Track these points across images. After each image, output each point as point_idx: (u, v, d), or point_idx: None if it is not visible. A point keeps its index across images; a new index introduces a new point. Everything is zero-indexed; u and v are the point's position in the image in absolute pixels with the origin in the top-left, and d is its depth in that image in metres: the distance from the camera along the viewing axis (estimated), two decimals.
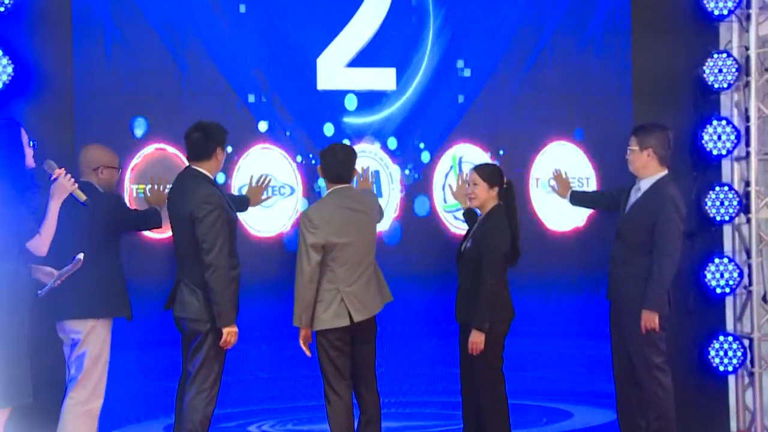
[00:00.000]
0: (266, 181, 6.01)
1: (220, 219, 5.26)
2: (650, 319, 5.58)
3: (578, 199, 6.19)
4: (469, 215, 5.98)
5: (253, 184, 6.00)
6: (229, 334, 5.29)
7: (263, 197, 6.02)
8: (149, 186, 5.83)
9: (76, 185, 5.00)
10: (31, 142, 4.99)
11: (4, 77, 5.55)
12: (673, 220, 5.61)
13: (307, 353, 5.56)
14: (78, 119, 5.83)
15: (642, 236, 5.65)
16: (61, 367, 5.47)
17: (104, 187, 5.53)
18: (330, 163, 5.56)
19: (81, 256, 4.98)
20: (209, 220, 5.24)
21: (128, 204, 5.82)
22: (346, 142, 6.11)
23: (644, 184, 5.73)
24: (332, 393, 5.51)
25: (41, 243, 4.90)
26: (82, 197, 5.00)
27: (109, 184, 5.58)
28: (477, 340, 5.57)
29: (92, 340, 5.37)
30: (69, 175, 4.99)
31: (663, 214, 5.60)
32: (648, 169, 5.71)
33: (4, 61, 5.54)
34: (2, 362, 4.82)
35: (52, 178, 4.99)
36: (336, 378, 5.50)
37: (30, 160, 4.98)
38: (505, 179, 5.79)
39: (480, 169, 5.78)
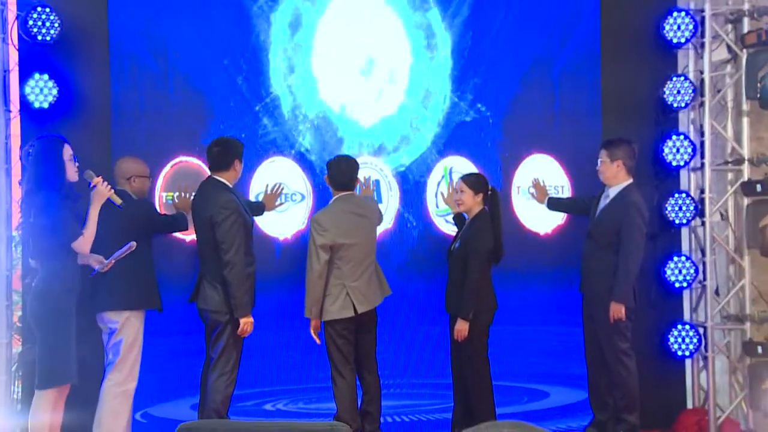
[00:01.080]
0: (279, 189, 6.17)
1: (237, 222, 5.50)
2: (617, 310, 5.78)
3: (554, 204, 6.35)
4: (459, 219, 6.11)
5: (268, 191, 6.15)
6: (246, 323, 5.52)
7: (277, 203, 6.16)
8: (177, 194, 6.01)
9: (113, 190, 5.26)
10: (74, 159, 5.22)
11: (50, 98, 5.80)
12: (637, 224, 5.82)
13: (317, 341, 5.76)
14: (114, 134, 6.04)
15: (610, 237, 5.86)
16: (101, 353, 5.63)
17: (137, 194, 5.71)
18: (336, 174, 5.78)
19: (133, 244, 5.27)
20: (227, 223, 5.48)
21: (158, 210, 5.97)
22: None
23: (612, 192, 5.94)
24: (338, 376, 5.72)
25: (84, 243, 5.19)
26: (118, 201, 5.27)
27: (142, 191, 5.75)
28: (462, 327, 5.74)
29: (127, 329, 5.54)
30: (106, 183, 5.25)
31: (628, 218, 5.81)
32: (617, 179, 5.91)
33: (50, 84, 5.79)
34: (49, 348, 5.10)
35: (91, 186, 5.25)
36: (342, 363, 5.71)
37: (72, 174, 5.22)
38: (490, 187, 5.95)
39: (466, 178, 5.96)
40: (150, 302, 5.66)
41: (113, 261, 5.29)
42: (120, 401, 5.57)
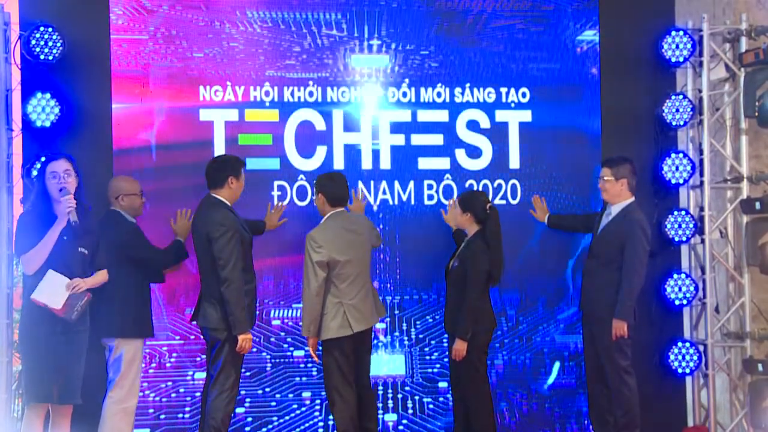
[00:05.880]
0: (282, 207, 6.02)
1: (234, 239, 5.33)
2: (620, 327, 5.66)
3: (555, 221, 6.22)
4: (458, 236, 5.98)
5: (270, 210, 5.99)
6: (244, 340, 5.35)
7: (279, 221, 5.99)
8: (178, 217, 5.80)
9: (71, 209, 4.93)
10: (64, 176, 4.96)
11: (52, 117, 5.67)
12: (640, 241, 5.72)
13: (316, 360, 5.58)
14: (116, 151, 5.88)
15: (612, 255, 5.74)
16: (104, 371, 5.50)
17: (129, 213, 5.54)
18: (333, 189, 5.61)
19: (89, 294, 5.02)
20: (224, 239, 5.31)
21: (146, 240, 5.59)
22: None
23: (614, 209, 5.83)
24: (337, 395, 5.54)
25: (26, 261, 4.92)
26: (73, 218, 4.95)
27: (132, 209, 5.56)
28: (459, 347, 5.61)
29: (126, 346, 5.43)
30: (70, 200, 4.94)
31: (631, 236, 5.70)
32: (620, 197, 5.81)
33: (52, 102, 5.67)
34: (27, 365, 4.94)
35: None
36: (341, 382, 5.51)
37: (54, 192, 4.95)
38: (488, 206, 5.77)
39: (460, 195, 5.84)
40: (140, 331, 5.51)
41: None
42: (120, 418, 5.43)
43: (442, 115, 6.28)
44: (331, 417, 5.94)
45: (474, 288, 5.62)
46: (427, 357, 6.19)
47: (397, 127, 6.24)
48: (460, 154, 6.28)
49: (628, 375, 5.75)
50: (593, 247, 5.90)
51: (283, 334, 6.06)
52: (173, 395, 5.93)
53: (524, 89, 6.34)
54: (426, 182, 6.24)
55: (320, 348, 5.61)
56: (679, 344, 6.38)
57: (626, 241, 5.69)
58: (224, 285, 5.30)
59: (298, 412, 6.06)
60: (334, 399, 5.56)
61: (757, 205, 6.31)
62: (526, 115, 6.34)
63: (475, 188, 6.21)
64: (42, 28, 5.65)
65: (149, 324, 5.56)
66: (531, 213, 6.28)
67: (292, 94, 6.13)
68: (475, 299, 5.62)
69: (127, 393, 5.42)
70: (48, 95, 5.66)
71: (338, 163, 6.15)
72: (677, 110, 6.38)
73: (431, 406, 6.19)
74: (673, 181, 6.39)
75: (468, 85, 6.30)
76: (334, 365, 5.53)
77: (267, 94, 6.11)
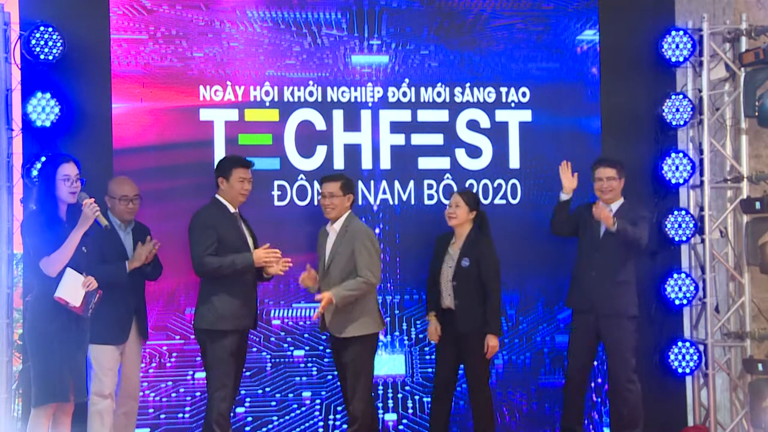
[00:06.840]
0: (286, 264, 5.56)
1: (206, 234, 5.28)
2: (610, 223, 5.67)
3: (560, 207, 6.00)
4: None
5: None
6: (260, 259, 5.28)
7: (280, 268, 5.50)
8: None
9: (98, 212, 4.88)
10: (75, 179, 4.89)
11: (52, 116, 5.63)
12: (648, 223, 5.84)
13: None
14: (116, 151, 5.84)
15: (621, 252, 5.75)
16: None
17: (114, 215, 5.44)
18: (354, 193, 5.66)
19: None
20: (196, 233, 5.31)
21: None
22: None
23: (613, 207, 5.84)
24: (367, 390, 5.46)
25: (48, 264, 4.84)
26: (104, 222, 4.94)
27: (113, 212, 5.45)
28: (495, 344, 5.63)
29: (92, 351, 5.26)
30: (93, 204, 4.88)
31: (640, 221, 5.77)
32: (618, 196, 5.87)
33: (52, 102, 5.63)
34: (38, 366, 4.85)
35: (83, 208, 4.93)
36: (371, 375, 5.46)
37: (65, 194, 4.87)
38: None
39: (462, 194, 5.80)
40: (101, 337, 5.28)
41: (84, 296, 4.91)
42: (96, 419, 5.35)
43: (442, 115, 6.24)
44: (331, 417, 5.97)
45: (497, 285, 5.67)
46: (427, 357, 6.15)
47: (397, 127, 6.21)
48: (460, 154, 6.25)
49: (635, 375, 5.78)
50: (595, 245, 5.84)
51: (283, 333, 6.04)
52: (173, 395, 5.89)
53: (524, 89, 6.30)
54: (426, 182, 6.21)
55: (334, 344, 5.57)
56: (679, 344, 6.34)
57: (638, 222, 5.73)
58: (199, 269, 5.26)
59: (298, 412, 6.04)
60: (365, 394, 5.47)
61: (757, 205, 6.28)
62: (526, 115, 6.31)
63: (475, 188, 6.19)
64: (42, 28, 5.63)
65: (119, 330, 5.39)
66: (569, 179, 6.01)
67: (292, 93, 6.10)
68: (500, 296, 5.67)
69: (97, 395, 5.31)
70: (48, 95, 5.63)
71: (338, 163, 6.12)
72: (677, 110, 6.34)
73: None
74: (673, 181, 6.35)
75: (468, 85, 6.27)
76: (370, 358, 5.48)
77: (267, 93, 6.08)
